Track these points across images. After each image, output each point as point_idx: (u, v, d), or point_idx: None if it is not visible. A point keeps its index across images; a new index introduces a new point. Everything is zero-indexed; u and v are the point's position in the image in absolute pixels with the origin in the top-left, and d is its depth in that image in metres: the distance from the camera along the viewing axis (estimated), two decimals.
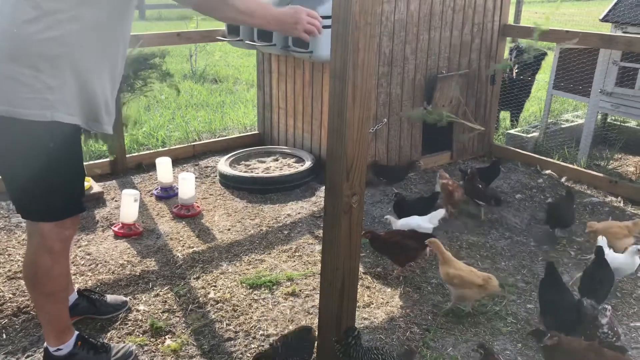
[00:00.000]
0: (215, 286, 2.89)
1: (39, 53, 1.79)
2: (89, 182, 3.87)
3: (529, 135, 5.14)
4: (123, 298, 2.71)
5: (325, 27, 3.66)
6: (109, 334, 2.50)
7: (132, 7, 2.00)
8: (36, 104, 1.81)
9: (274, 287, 2.89)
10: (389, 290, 2.90)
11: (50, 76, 1.82)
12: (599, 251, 2.73)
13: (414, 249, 2.93)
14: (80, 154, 2.06)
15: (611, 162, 4.80)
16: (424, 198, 3.68)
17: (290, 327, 2.57)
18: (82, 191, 2.13)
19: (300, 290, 2.86)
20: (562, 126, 5.43)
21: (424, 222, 3.26)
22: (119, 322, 2.59)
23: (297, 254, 3.23)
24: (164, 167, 3.95)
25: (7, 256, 3.09)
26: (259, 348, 2.44)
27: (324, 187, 2.02)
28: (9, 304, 2.67)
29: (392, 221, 3.35)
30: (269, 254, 3.23)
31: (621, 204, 3.96)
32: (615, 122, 5.58)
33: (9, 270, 2.95)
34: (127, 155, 4.35)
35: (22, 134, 1.85)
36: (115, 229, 3.40)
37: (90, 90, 1.91)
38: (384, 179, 4.14)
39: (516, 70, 5.37)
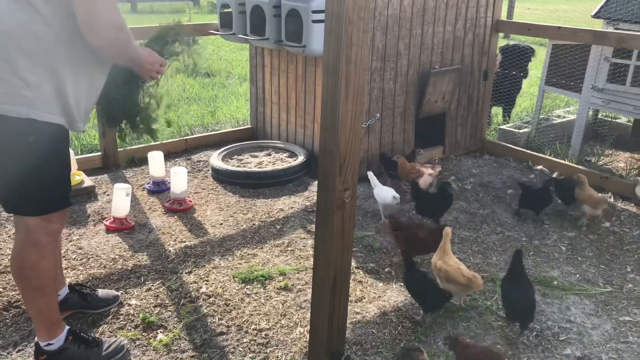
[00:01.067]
0: (207, 280, 2.89)
1: (18, 47, 1.77)
2: (80, 176, 3.85)
3: (521, 131, 5.17)
4: (114, 292, 2.70)
5: (318, 21, 3.69)
6: (100, 329, 2.50)
7: None
8: (13, 100, 1.79)
9: (266, 281, 2.89)
10: (381, 285, 2.91)
11: (29, 72, 1.79)
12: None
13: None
14: (66, 148, 2.04)
15: (602, 158, 4.84)
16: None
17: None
18: (68, 186, 2.11)
19: (292, 285, 2.87)
20: (554, 122, 5.45)
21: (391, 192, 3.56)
22: (110, 316, 2.58)
23: (289, 248, 3.23)
24: (156, 161, 3.93)
25: None
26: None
27: (316, 182, 2.02)
28: None
29: (372, 181, 3.69)
30: (262, 248, 3.23)
31: (612, 200, 3.99)
32: (606, 118, 5.62)
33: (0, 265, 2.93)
34: (119, 149, 4.33)
35: (6, 125, 1.83)
36: (107, 223, 3.38)
37: (64, 93, 1.88)
38: (393, 173, 3.99)
39: (517, 72, 5.41)
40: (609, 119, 5.60)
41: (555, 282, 2.97)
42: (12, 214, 2.12)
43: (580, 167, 4.39)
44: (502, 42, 5.90)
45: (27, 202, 1.98)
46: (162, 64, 2.22)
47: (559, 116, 5.73)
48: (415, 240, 2.97)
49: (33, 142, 1.87)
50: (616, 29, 4.87)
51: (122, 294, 2.73)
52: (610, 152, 5.02)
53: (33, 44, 1.79)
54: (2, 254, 3.03)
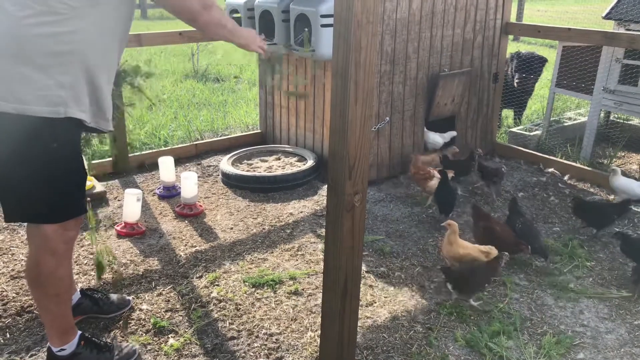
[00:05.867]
0: (218, 285, 2.89)
1: (47, 50, 1.80)
2: (91, 182, 3.87)
3: (532, 134, 5.13)
4: (126, 297, 2.71)
5: (327, 25, 3.70)
6: (112, 333, 2.51)
7: (133, 8, 2.04)
8: (49, 101, 1.82)
9: (277, 286, 2.89)
10: (391, 289, 2.90)
11: (61, 73, 1.83)
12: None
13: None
14: (81, 154, 2.06)
15: (614, 160, 4.79)
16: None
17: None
18: (84, 192, 2.13)
19: (303, 289, 2.87)
20: (565, 124, 5.42)
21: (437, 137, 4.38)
22: (122, 321, 2.59)
23: (299, 252, 3.23)
24: (166, 167, 3.95)
25: (10, 255, 3.10)
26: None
27: (326, 186, 2.02)
28: (12, 304, 2.68)
29: (426, 132, 4.36)
30: (272, 252, 3.23)
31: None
32: (618, 120, 5.57)
33: (13, 270, 2.96)
34: (130, 155, 4.35)
35: (30, 132, 1.84)
36: (118, 228, 3.40)
37: (97, 88, 1.94)
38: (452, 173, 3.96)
39: (517, 80, 5.36)
40: (621, 121, 5.55)
41: (571, 285, 2.94)
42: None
43: (592, 169, 4.35)
44: (512, 45, 5.86)
45: (48, 209, 1.98)
46: (262, 42, 2.54)
47: (570, 118, 5.69)
48: (492, 233, 3.11)
49: (55, 148, 1.89)
50: (627, 30, 4.83)
51: (133, 298, 2.74)
52: (623, 154, 4.97)
53: (63, 45, 1.81)
54: (15, 260, 3.06)
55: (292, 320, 2.63)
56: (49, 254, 2.03)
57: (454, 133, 4.51)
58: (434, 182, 3.75)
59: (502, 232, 3.10)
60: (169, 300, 2.76)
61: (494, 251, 2.88)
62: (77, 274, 2.92)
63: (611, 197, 4.02)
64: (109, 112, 2.04)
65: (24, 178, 1.91)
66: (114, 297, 2.66)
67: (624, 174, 4.43)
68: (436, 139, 4.40)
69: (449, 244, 2.88)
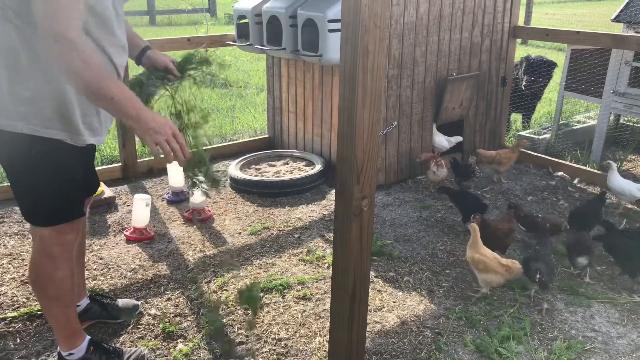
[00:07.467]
0: (226, 290, 2.89)
1: (7, 62, 1.78)
2: (100, 187, 3.89)
3: (541, 137, 5.11)
4: (135, 302, 2.72)
5: (334, 30, 3.70)
6: (121, 339, 2.52)
7: (108, 20, 1.87)
8: (9, 115, 1.81)
9: (285, 290, 2.88)
10: (400, 294, 2.89)
11: (23, 88, 1.79)
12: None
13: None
14: (70, 160, 1.98)
15: (624, 163, 4.76)
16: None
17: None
18: (77, 198, 2.08)
19: (311, 294, 2.86)
20: (574, 127, 5.38)
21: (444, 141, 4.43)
22: (130, 326, 2.60)
23: (308, 257, 3.22)
24: (175, 172, 3.96)
25: (20, 261, 3.12)
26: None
27: (334, 191, 2.01)
28: (22, 309, 2.70)
29: (435, 134, 4.38)
30: (280, 257, 3.23)
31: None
32: (628, 123, 5.53)
33: (23, 275, 2.97)
34: (139, 160, 4.38)
35: (6, 140, 1.85)
36: (127, 233, 3.42)
37: (64, 104, 1.85)
38: (458, 176, 4.21)
39: (525, 83, 5.34)
40: (631, 124, 5.51)
41: (581, 290, 2.91)
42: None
43: (602, 172, 4.32)
44: (520, 49, 5.83)
45: (35, 213, 2.01)
46: (176, 134, 1.81)
47: (579, 122, 5.66)
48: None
49: (35, 154, 1.88)
50: (637, 32, 4.80)
51: (142, 303, 2.75)
52: (633, 157, 4.93)
53: (24, 58, 1.78)
54: (26, 265, 3.08)
55: (300, 325, 2.63)
56: (45, 256, 2.05)
57: (460, 138, 4.51)
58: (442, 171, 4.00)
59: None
60: (177, 305, 2.76)
61: (516, 267, 2.79)
62: (87, 279, 2.93)
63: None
64: (83, 129, 1.92)
65: (16, 183, 1.97)
66: (122, 302, 2.67)
67: (635, 177, 4.40)
68: (442, 142, 4.40)
69: (470, 247, 2.86)
